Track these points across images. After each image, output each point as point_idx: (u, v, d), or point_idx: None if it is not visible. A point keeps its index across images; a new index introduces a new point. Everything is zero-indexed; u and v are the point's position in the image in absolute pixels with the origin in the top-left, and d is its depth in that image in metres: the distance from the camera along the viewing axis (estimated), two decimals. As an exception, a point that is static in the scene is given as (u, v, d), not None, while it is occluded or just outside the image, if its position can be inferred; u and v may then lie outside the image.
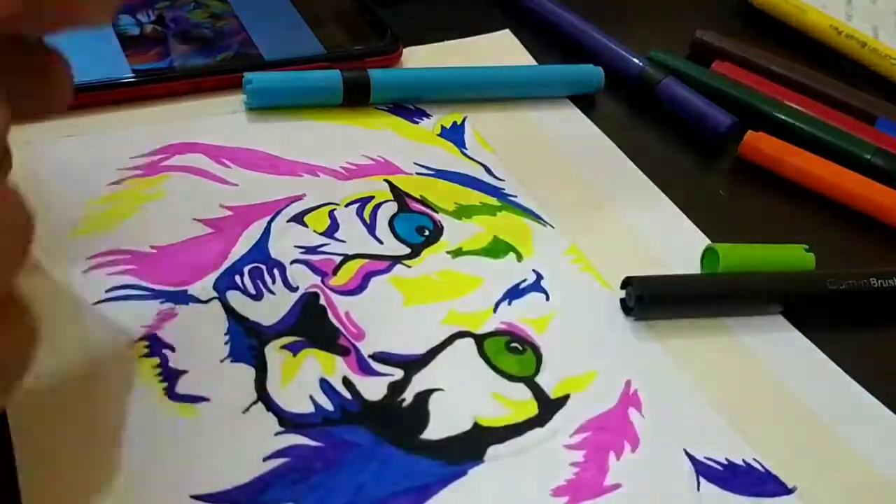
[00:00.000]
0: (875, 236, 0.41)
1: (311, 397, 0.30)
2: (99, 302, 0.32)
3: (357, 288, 0.34)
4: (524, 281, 0.36)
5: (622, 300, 0.35)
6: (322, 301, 0.33)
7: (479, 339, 0.33)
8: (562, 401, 0.32)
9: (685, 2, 0.55)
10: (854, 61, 0.52)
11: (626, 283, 0.35)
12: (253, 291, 0.33)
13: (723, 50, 0.49)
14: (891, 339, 0.37)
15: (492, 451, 0.30)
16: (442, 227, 0.37)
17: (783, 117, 0.45)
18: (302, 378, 0.31)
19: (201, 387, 0.30)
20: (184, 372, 0.30)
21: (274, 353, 0.31)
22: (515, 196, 0.39)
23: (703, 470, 0.30)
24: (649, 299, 0.34)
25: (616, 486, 0.29)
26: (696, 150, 0.44)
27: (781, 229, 0.41)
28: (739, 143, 0.44)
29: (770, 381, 0.34)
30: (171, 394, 0.29)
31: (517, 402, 0.31)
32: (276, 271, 0.34)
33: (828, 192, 0.43)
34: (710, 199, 0.42)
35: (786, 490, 0.30)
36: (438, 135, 0.42)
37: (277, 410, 0.30)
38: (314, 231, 0.36)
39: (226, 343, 0.31)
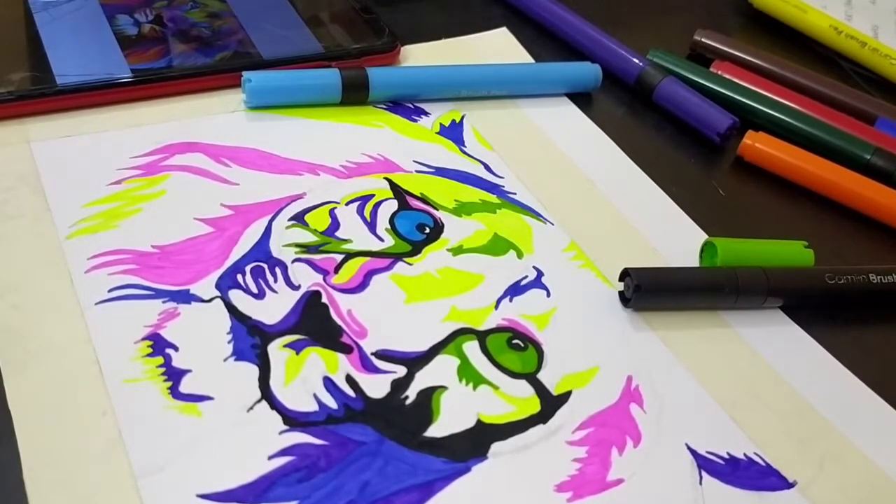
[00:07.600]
0: (874, 236, 0.42)
1: (314, 395, 0.30)
2: (101, 302, 0.32)
3: (359, 286, 0.34)
4: (525, 278, 0.36)
5: (620, 292, 0.35)
6: (324, 299, 0.33)
7: (481, 336, 0.33)
8: (564, 397, 0.32)
9: (685, 2, 0.55)
10: (854, 61, 0.52)
11: (624, 273, 0.35)
12: (255, 290, 0.33)
13: (723, 50, 0.50)
14: (889, 334, 0.37)
15: (495, 447, 0.30)
16: (442, 225, 0.37)
17: (783, 117, 0.45)
18: (305, 376, 0.31)
19: (205, 386, 0.30)
20: (187, 371, 0.30)
21: (277, 351, 0.31)
22: (515, 193, 0.39)
23: (704, 464, 0.30)
24: (646, 289, 0.34)
25: (619, 482, 0.29)
26: (696, 149, 0.44)
27: (781, 229, 0.41)
28: (739, 143, 0.44)
29: (770, 375, 0.34)
30: (175, 393, 0.29)
31: (520, 399, 0.31)
32: (277, 270, 0.34)
33: (827, 192, 0.43)
34: (709, 198, 0.42)
35: (787, 484, 0.30)
36: (437, 133, 0.42)
37: (281, 409, 0.30)
38: (315, 230, 0.36)
39: (228, 342, 0.31)
